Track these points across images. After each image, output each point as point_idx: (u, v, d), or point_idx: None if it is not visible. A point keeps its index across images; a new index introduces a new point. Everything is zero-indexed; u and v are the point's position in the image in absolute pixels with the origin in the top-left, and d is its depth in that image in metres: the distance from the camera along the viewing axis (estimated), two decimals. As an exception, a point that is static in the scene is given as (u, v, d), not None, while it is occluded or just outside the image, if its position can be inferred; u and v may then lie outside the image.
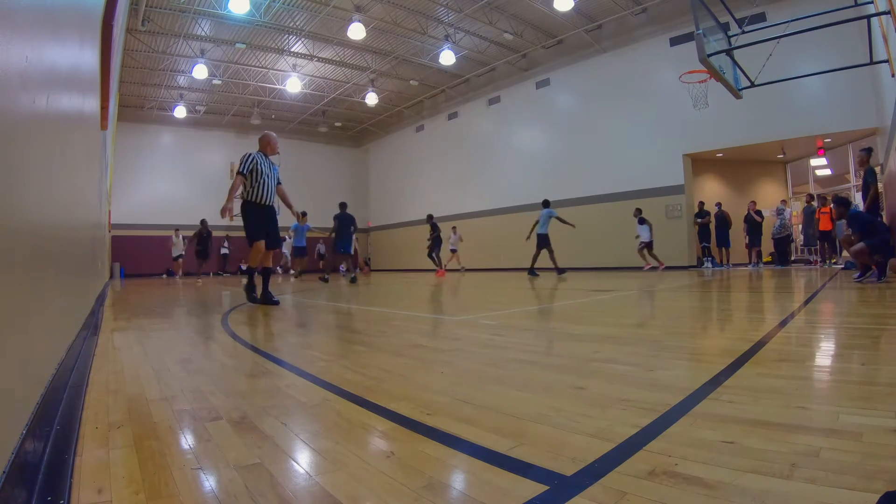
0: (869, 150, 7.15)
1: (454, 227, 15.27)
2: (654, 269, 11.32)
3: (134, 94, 16.20)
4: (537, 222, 10.22)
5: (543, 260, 10.22)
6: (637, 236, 11.56)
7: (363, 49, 14.22)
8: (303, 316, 4.04)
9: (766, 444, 0.97)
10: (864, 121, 9.54)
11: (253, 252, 4.79)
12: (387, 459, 0.98)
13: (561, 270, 10.07)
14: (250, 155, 4.69)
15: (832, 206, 7.14)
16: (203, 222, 12.43)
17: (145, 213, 17.36)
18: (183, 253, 13.83)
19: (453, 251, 14.81)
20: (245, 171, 4.60)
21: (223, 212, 4.50)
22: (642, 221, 11.42)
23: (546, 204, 10.57)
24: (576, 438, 1.06)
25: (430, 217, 12.99)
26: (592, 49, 13.60)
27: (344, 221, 9.64)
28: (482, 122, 17.07)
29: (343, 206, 9.86)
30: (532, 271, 10.23)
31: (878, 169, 8.03)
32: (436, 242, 12.51)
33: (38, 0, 1.11)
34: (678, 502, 0.76)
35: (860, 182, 7.38)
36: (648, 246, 11.38)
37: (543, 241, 10.10)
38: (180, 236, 13.96)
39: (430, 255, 12.76)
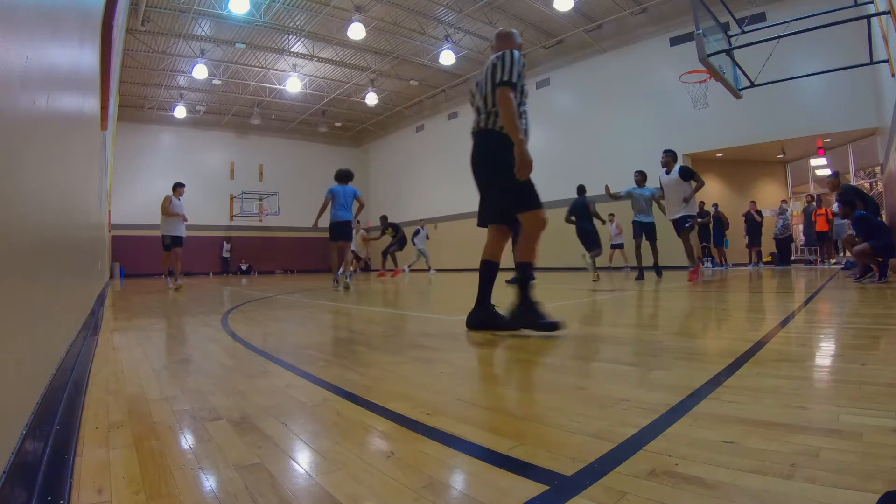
0: (836, 175, 7.22)
1: (611, 215, 11.76)
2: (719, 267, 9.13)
3: (134, 94, 16.21)
4: (631, 196, 7.72)
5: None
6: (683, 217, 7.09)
7: (363, 49, 14.23)
8: (302, 316, 4.04)
9: (766, 444, 0.97)
10: (864, 121, 9.55)
11: (534, 229, 2.61)
12: (387, 459, 0.98)
13: (640, 273, 7.71)
14: (517, 55, 2.60)
15: (837, 205, 7.16)
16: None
17: (145, 213, 17.31)
18: (184, 236, 8.34)
19: (619, 247, 11.79)
20: (516, 80, 2.55)
21: (524, 168, 2.43)
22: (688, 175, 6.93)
23: (642, 177, 7.82)
24: (576, 438, 1.06)
25: (385, 218, 12.34)
26: (592, 49, 13.60)
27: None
28: (482, 122, 17.05)
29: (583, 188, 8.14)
30: (657, 270, 7.90)
31: (877, 170, 8.03)
32: (401, 243, 12.06)
33: (38, 0, 1.11)
34: (678, 502, 0.76)
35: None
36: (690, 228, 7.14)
37: (648, 231, 7.64)
38: (181, 197, 8.29)
39: (385, 254, 12.25)
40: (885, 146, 8.03)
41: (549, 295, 5.43)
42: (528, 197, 2.59)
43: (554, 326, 2.45)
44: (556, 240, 12.59)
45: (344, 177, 7.12)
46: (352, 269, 10.31)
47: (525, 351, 2.24)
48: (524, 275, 2.60)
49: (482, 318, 2.73)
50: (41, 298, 1.23)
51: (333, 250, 7.25)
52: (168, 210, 7.98)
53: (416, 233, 13.20)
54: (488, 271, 2.80)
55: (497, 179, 2.64)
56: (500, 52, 2.64)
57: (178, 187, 8.30)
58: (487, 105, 2.68)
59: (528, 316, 2.52)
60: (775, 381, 1.45)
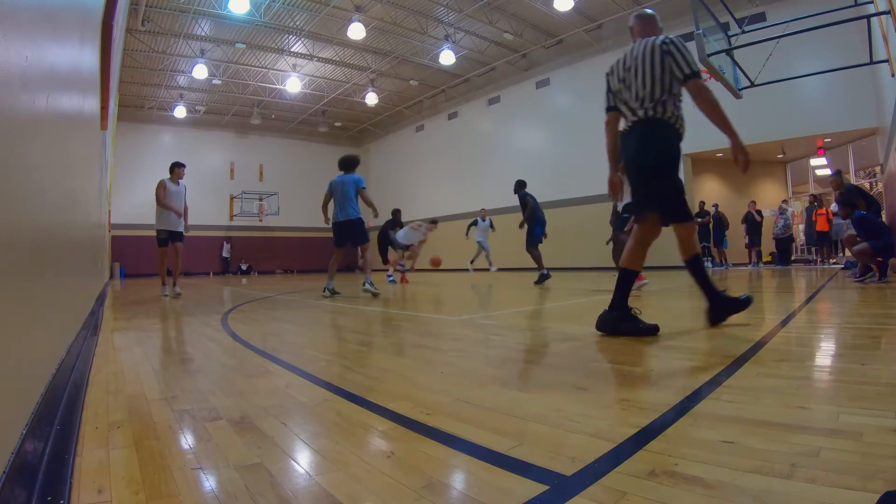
0: (838, 173, 7.07)
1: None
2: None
3: (134, 94, 16.20)
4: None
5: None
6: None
7: (363, 49, 14.22)
8: (302, 316, 4.04)
9: (766, 444, 0.97)
10: (864, 121, 9.54)
11: (645, 236, 2.58)
12: (387, 459, 0.98)
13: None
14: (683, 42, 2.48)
15: (837, 205, 7.12)
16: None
17: (145, 213, 17.18)
18: (182, 230, 6.54)
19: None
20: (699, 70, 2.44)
21: (747, 158, 2.38)
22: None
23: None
24: (576, 438, 1.06)
25: (397, 213, 10.25)
26: (592, 49, 13.60)
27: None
28: (482, 122, 17.06)
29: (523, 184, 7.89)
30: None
31: (877, 170, 8.00)
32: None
33: (38, 0, 1.11)
34: (678, 502, 0.76)
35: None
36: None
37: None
38: (181, 180, 6.45)
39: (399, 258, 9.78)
40: (885, 146, 8.02)
41: (551, 295, 5.43)
42: (681, 190, 2.52)
43: (652, 330, 2.38)
44: (562, 238, 12.62)
45: (345, 164, 5.83)
46: (392, 268, 8.82)
47: (525, 351, 2.24)
48: (624, 280, 2.50)
49: (723, 309, 2.51)
50: (41, 298, 1.23)
51: (335, 256, 5.75)
52: (162, 200, 6.23)
53: (475, 223, 11.41)
54: (694, 267, 2.59)
55: (655, 172, 2.55)
56: (663, 38, 2.49)
57: (175, 168, 6.38)
58: (655, 94, 2.52)
59: (622, 323, 2.42)
60: (775, 381, 1.45)
